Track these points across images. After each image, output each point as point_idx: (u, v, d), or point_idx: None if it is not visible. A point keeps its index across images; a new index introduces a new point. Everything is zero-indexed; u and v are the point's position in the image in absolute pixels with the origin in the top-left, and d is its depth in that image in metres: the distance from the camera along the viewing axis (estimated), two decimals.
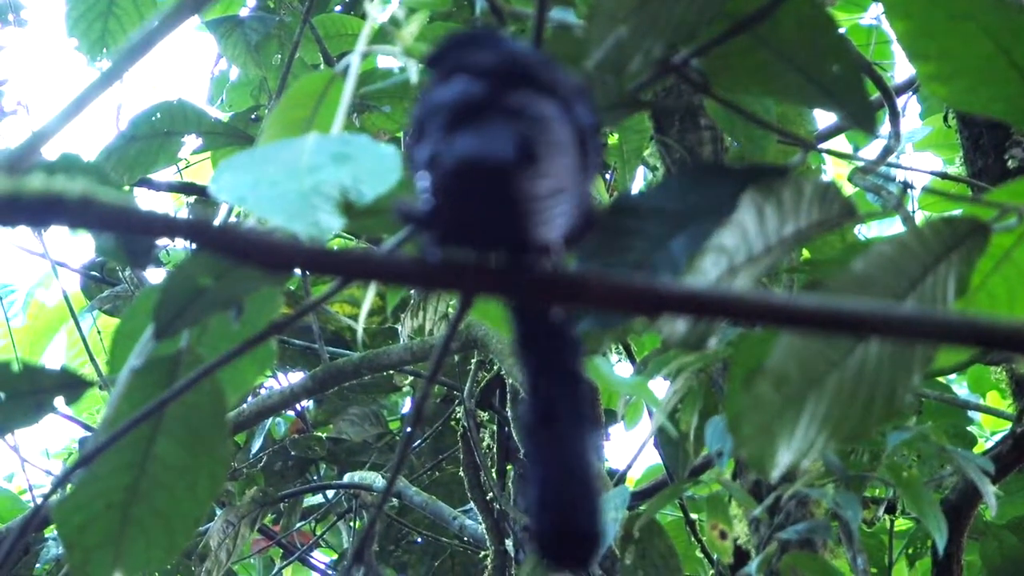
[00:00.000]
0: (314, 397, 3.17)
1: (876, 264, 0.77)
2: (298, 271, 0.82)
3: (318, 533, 3.64)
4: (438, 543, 3.41)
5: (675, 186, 0.82)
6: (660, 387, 1.94)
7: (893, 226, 3.55)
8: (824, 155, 2.49)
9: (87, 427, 3.39)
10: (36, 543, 3.16)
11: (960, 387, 3.62)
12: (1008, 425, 2.56)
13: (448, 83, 0.68)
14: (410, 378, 3.18)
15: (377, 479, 3.05)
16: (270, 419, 3.26)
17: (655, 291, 0.61)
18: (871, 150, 3.55)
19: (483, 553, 2.99)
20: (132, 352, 0.88)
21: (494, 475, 2.93)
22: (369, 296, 1.27)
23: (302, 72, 2.52)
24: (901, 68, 3.57)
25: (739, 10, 0.84)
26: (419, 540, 3.47)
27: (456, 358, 3.01)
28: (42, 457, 4.21)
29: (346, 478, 3.18)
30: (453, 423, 3.29)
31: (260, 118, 2.98)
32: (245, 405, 2.69)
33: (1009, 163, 2.38)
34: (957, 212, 0.87)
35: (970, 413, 2.72)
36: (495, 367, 2.84)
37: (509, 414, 2.85)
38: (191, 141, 2.26)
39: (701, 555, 2.88)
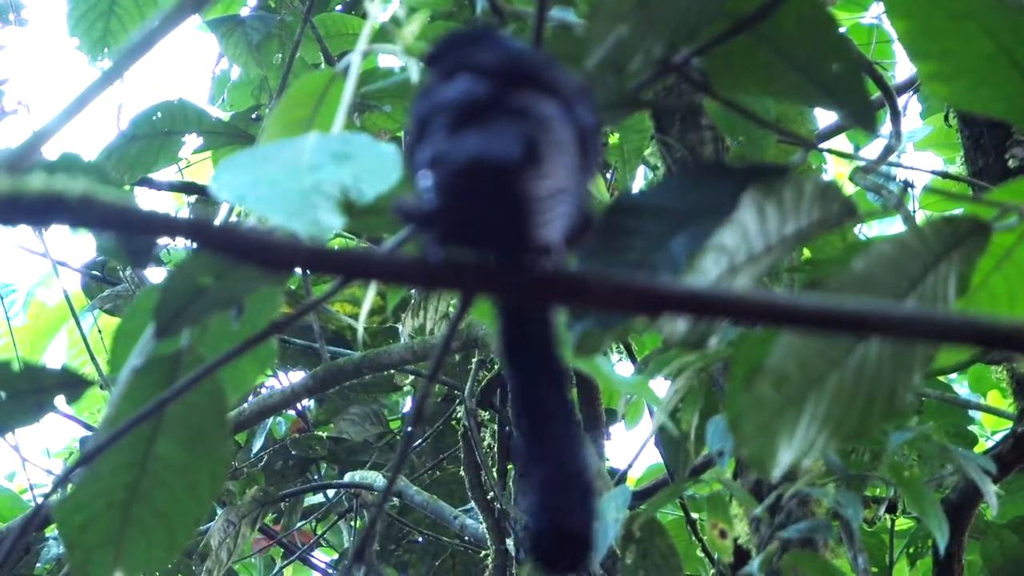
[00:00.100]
0: (315, 396, 3.17)
1: (877, 263, 0.77)
2: (299, 270, 0.82)
3: (319, 532, 3.64)
4: (439, 542, 3.41)
5: (676, 185, 0.82)
6: (661, 387, 1.94)
7: (894, 225, 3.55)
8: (825, 154, 2.50)
9: (88, 426, 3.39)
10: (37, 542, 3.16)
11: (961, 386, 3.62)
12: (1009, 424, 2.56)
13: (450, 82, 0.68)
14: (411, 377, 3.18)
15: (378, 478, 3.05)
16: (271, 418, 3.26)
17: (656, 290, 0.61)
18: (872, 149, 3.55)
19: (484, 552, 2.99)
20: (133, 351, 0.88)
21: (495, 474, 2.93)
22: (370, 295, 1.27)
23: (303, 71, 2.52)
24: (902, 67, 3.57)
25: (740, 9, 0.84)
26: (420, 539, 3.47)
27: (457, 357, 3.01)
28: (43, 456, 4.22)
29: (347, 477, 3.18)
30: (454, 422, 3.29)
31: (261, 117, 2.98)
32: (246, 404, 2.69)
33: (1010, 162, 2.38)
34: (958, 211, 0.87)
35: (971, 412, 2.72)
36: (496, 366, 2.84)
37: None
38: (192, 140, 2.26)
39: (702, 554, 2.89)
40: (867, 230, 3.75)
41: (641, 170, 2.30)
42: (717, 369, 1.72)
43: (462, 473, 3.06)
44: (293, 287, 3.11)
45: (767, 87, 0.90)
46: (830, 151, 1.81)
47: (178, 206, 3.80)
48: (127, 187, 2.27)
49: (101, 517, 0.90)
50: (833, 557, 1.82)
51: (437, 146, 0.64)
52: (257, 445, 3.28)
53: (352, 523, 3.42)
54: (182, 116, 2.23)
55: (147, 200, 3.05)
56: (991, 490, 1.62)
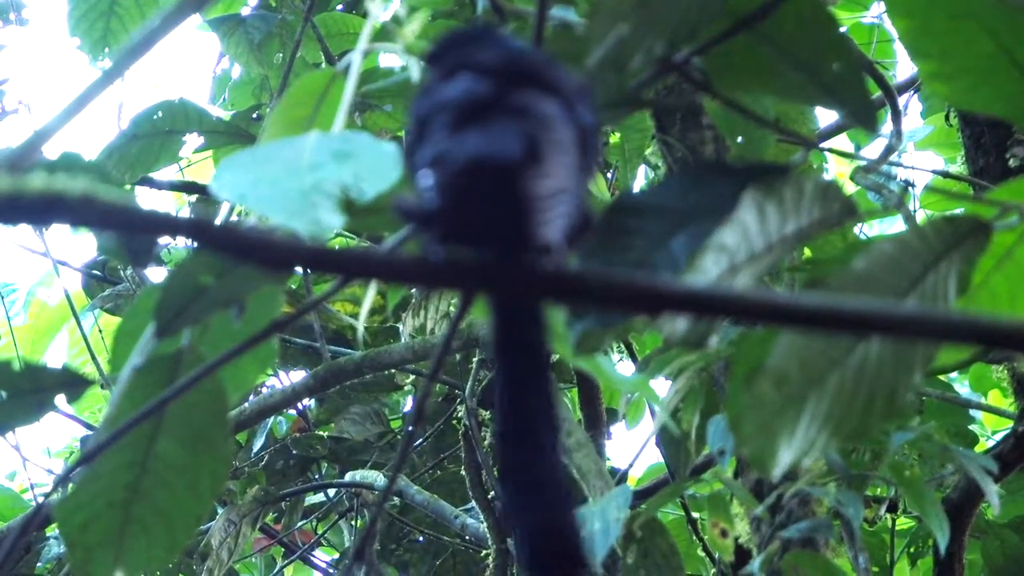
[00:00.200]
0: (315, 396, 3.17)
1: (877, 263, 0.77)
2: (299, 270, 0.82)
3: (319, 532, 3.64)
4: (440, 542, 3.41)
5: (676, 185, 0.82)
6: (661, 386, 1.94)
7: (895, 225, 3.55)
8: (826, 154, 2.50)
9: (88, 426, 3.39)
10: (38, 542, 3.16)
11: (961, 386, 3.62)
12: (1010, 424, 2.56)
13: (451, 81, 0.68)
14: (411, 377, 3.18)
15: (378, 478, 3.05)
16: (271, 418, 3.26)
17: (656, 290, 0.61)
18: (873, 149, 3.55)
19: (485, 552, 2.99)
20: (133, 351, 0.88)
21: (496, 474, 2.93)
22: (370, 295, 1.27)
23: (304, 71, 2.52)
24: (903, 67, 3.57)
25: (740, 8, 0.84)
26: (421, 539, 3.47)
27: (458, 357, 3.01)
28: (43, 456, 4.22)
29: (347, 477, 3.18)
30: (455, 422, 3.29)
31: (262, 117, 2.98)
32: (246, 404, 2.69)
33: (1010, 162, 2.38)
34: (959, 211, 0.87)
35: (971, 412, 2.72)
36: None
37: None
38: (192, 140, 2.26)
39: (703, 554, 2.89)
40: (868, 229, 3.75)
41: (642, 169, 2.31)
42: (718, 368, 1.72)
43: (463, 472, 3.06)
44: (294, 286, 3.11)
45: (768, 86, 0.90)
46: (831, 150, 1.81)
47: (179, 205, 3.81)
48: (128, 186, 2.27)
49: (102, 516, 0.90)
50: (834, 556, 1.82)
51: (438, 145, 0.64)
52: (258, 444, 3.28)
53: (353, 522, 3.42)
54: (183, 115, 2.23)
55: (148, 199, 3.05)
56: (993, 490, 1.62)
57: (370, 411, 3.28)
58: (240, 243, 0.58)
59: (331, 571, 3.74)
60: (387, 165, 0.72)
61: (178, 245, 3.20)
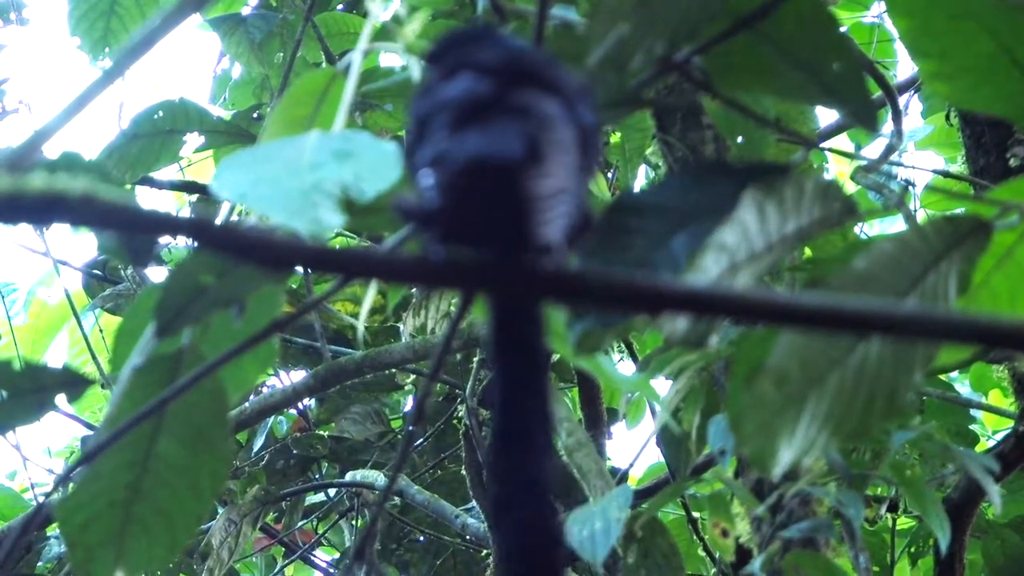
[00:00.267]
0: (316, 395, 3.17)
1: (878, 262, 0.77)
2: (300, 269, 0.82)
3: (320, 532, 3.64)
4: (440, 542, 3.41)
5: (677, 184, 0.82)
6: (662, 386, 1.94)
7: (895, 224, 3.55)
8: (826, 153, 2.49)
9: (89, 425, 3.39)
10: (38, 541, 3.16)
11: (962, 385, 3.62)
12: (1010, 424, 2.56)
13: (451, 81, 0.68)
14: (412, 376, 3.18)
15: (379, 478, 3.05)
16: (272, 417, 3.26)
17: (656, 289, 0.60)
18: (873, 148, 3.55)
19: (485, 552, 2.99)
20: (134, 350, 0.88)
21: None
22: (370, 294, 1.27)
23: (304, 70, 2.52)
24: (903, 66, 3.57)
25: (741, 7, 0.84)
26: (421, 539, 3.47)
27: (458, 356, 3.01)
28: (44, 455, 4.22)
29: (348, 477, 3.18)
30: (455, 422, 3.30)
31: (262, 116, 2.98)
32: (247, 403, 2.69)
33: (1011, 161, 2.38)
34: (959, 210, 0.87)
35: (972, 412, 2.72)
36: None
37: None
38: (193, 139, 2.26)
39: (703, 553, 2.89)
40: (868, 229, 3.75)
41: (642, 169, 2.30)
42: (718, 368, 1.72)
43: (463, 472, 3.06)
44: (294, 286, 3.11)
45: (768, 86, 0.90)
46: (831, 150, 1.81)
47: (179, 205, 3.81)
48: (128, 186, 2.27)
49: (102, 516, 0.90)
50: (835, 556, 1.82)
51: (438, 145, 0.64)
52: (258, 444, 3.28)
53: (353, 522, 3.42)
54: (183, 115, 2.23)
55: (148, 199, 3.05)
56: (994, 489, 1.61)
57: (371, 411, 3.28)
58: (240, 243, 0.58)
59: (331, 571, 3.74)
60: (387, 165, 0.72)
61: (178, 245, 3.20)
